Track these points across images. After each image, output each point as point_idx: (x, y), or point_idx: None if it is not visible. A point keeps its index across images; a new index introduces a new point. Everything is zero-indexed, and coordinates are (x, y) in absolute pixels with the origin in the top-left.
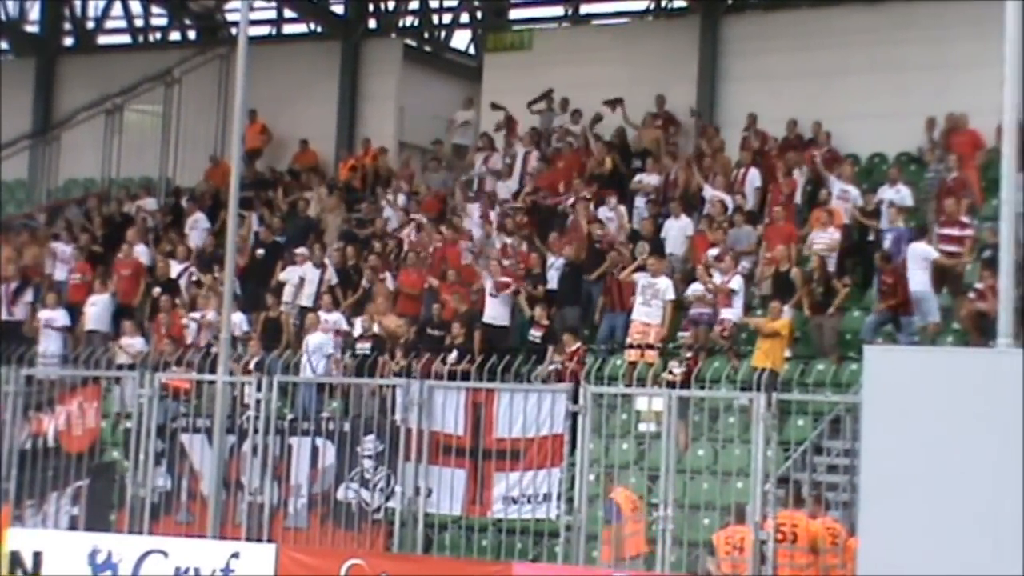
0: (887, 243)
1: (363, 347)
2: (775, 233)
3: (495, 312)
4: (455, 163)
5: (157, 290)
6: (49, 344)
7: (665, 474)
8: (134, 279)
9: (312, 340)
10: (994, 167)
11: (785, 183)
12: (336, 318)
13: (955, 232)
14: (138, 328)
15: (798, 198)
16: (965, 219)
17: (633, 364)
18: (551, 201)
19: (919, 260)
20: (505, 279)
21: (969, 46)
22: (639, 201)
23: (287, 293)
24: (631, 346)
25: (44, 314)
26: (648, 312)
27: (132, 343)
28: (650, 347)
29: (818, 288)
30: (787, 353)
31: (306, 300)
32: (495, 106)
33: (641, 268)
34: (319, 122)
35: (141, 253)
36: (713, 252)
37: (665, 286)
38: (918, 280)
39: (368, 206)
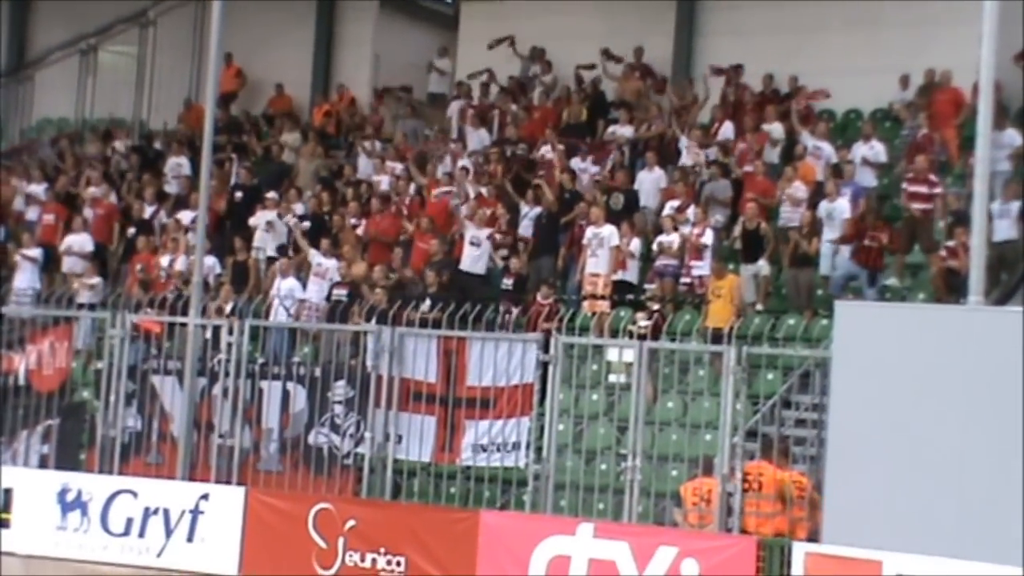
0: (846, 198)
1: (339, 293)
2: (752, 187)
3: (471, 261)
4: (428, 111)
5: (131, 231)
6: (24, 279)
7: (634, 425)
8: (107, 220)
9: (284, 285)
10: (971, 125)
11: (755, 138)
12: (331, 263)
13: (923, 190)
14: (97, 269)
15: (771, 153)
16: (933, 177)
17: (601, 315)
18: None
19: None
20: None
21: (947, 2)
22: (612, 152)
23: (258, 238)
24: (584, 297)
25: (24, 250)
26: (595, 262)
27: (90, 283)
28: (602, 297)
29: (804, 241)
30: (760, 308)
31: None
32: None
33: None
34: (294, 67)
35: (101, 194)
36: (674, 203)
37: (608, 233)
38: None
39: (327, 160)
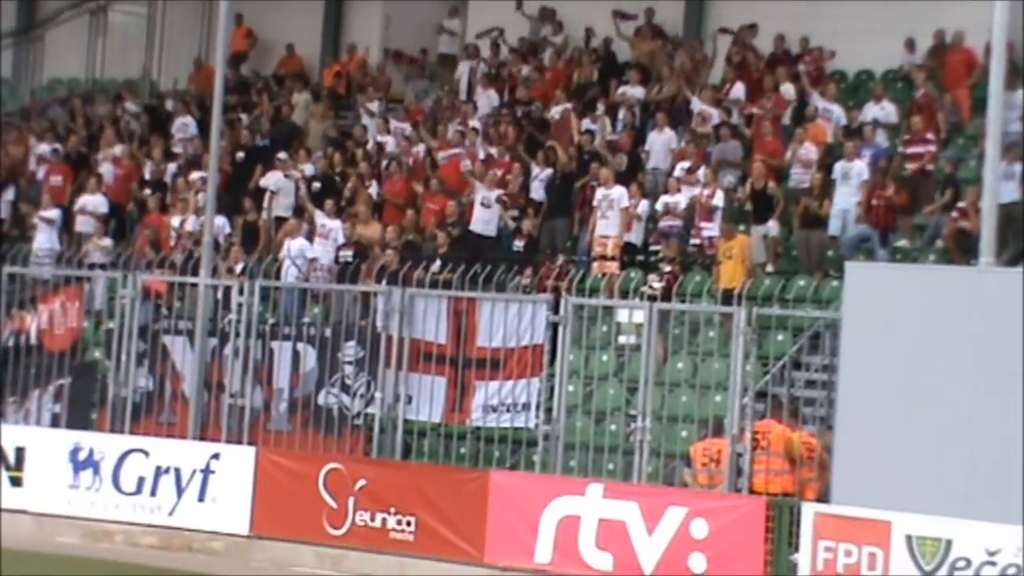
0: (865, 160)
1: (345, 254)
2: (761, 148)
3: (482, 222)
4: (439, 72)
5: (147, 192)
6: (43, 240)
7: (644, 386)
8: (125, 180)
9: (293, 245)
10: (983, 86)
11: (772, 98)
12: (335, 224)
13: (919, 150)
14: (113, 229)
15: (786, 115)
16: (930, 136)
17: (611, 276)
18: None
19: None
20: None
21: None
22: (621, 113)
23: (267, 200)
24: (594, 259)
25: (42, 212)
26: (605, 224)
27: (103, 244)
28: (612, 259)
29: (815, 203)
30: (770, 269)
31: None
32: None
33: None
34: (305, 27)
35: (120, 154)
36: (685, 165)
37: (619, 195)
38: None
39: (337, 120)
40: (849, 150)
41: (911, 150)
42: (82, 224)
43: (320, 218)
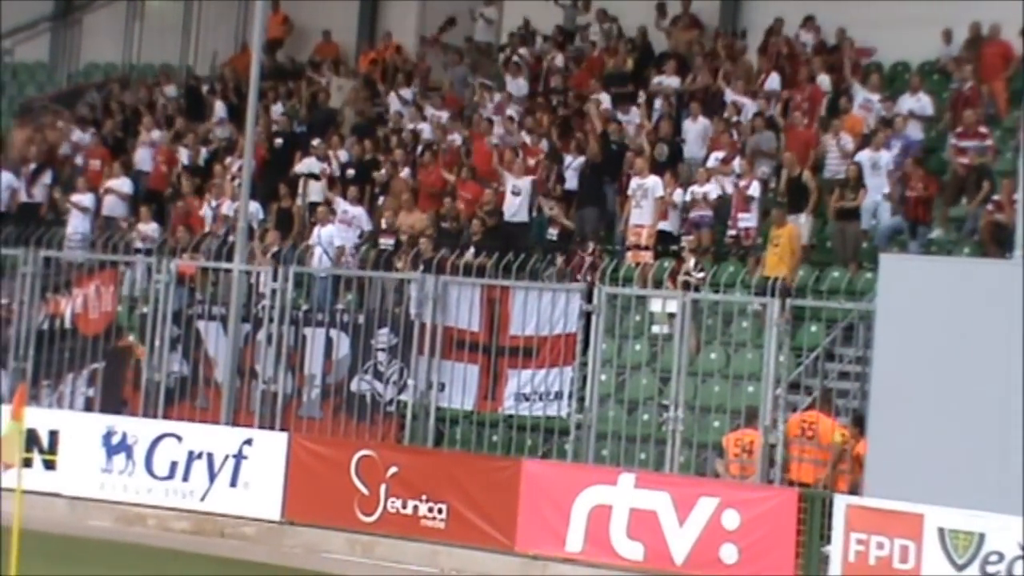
0: (895, 151)
1: (386, 242)
2: (794, 138)
3: (515, 210)
4: (477, 60)
5: (185, 177)
6: (75, 224)
7: (677, 376)
8: (166, 166)
9: (324, 232)
10: (1019, 78)
11: (809, 89)
12: (358, 212)
13: (974, 143)
14: (151, 214)
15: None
16: (983, 130)
17: (646, 266)
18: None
19: None
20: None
21: None
22: (658, 103)
23: (303, 185)
24: (628, 248)
25: (75, 197)
26: (639, 213)
27: (146, 229)
28: (645, 248)
29: (850, 194)
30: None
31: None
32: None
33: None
34: (341, 14)
35: (159, 139)
36: (719, 155)
37: (653, 184)
38: None
39: (374, 107)
40: (878, 140)
41: (964, 143)
42: (110, 206)
43: (342, 204)
